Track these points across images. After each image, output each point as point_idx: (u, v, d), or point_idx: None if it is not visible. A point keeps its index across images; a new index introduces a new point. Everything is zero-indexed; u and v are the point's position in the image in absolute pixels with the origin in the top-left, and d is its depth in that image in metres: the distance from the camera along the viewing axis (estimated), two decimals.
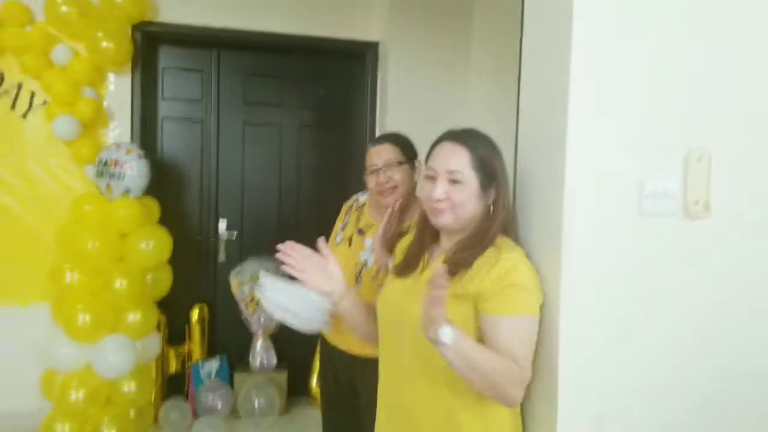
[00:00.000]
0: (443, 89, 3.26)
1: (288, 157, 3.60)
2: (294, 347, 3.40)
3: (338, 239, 1.90)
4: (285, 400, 3.36)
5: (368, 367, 1.69)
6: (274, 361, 3.24)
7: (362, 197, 1.96)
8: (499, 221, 1.22)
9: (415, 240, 1.36)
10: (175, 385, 3.32)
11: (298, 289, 1.35)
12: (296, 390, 3.47)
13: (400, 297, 1.27)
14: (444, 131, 1.28)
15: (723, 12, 1.19)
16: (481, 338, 1.16)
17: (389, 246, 1.61)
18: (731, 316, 1.22)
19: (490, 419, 1.19)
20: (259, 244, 3.41)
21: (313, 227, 3.38)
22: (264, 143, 3.56)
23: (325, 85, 3.58)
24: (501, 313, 1.13)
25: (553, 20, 1.21)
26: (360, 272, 1.77)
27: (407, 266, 1.32)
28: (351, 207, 1.96)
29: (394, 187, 1.76)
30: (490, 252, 1.19)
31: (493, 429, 1.19)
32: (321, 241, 1.36)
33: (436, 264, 1.25)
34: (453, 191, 1.21)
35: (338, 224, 1.96)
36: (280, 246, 1.33)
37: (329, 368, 1.93)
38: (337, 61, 3.54)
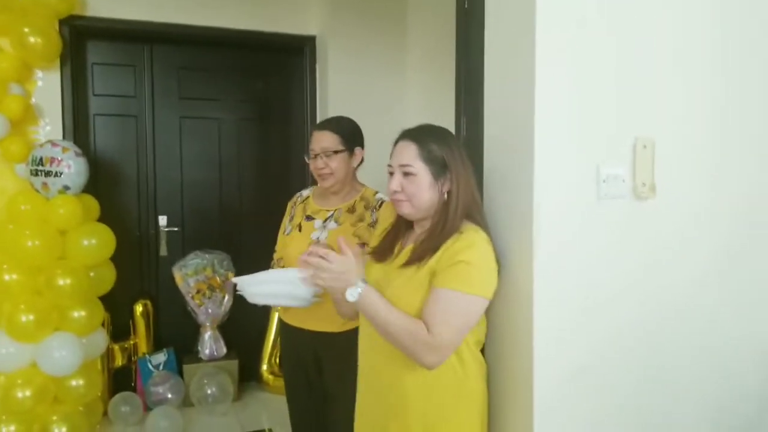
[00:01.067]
0: (381, 81, 3.39)
1: (228, 151, 3.63)
2: (243, 336, 3.50)
3: (288, 230, 2.03)
4: (237, 387, 3.43)
5: (332, 342, 1.87)
6: (224, 350, 3.32)
7: (306, 192, 2.11)
8: (457, 208, 1.33)
9: (391, 227, 1.50)
10: (121, 380, 3.33)
11: (276, 274, 1.46)
12: (248, 376, 3.56)
13: (377, 282, 1.40)
14: (400, 128, 1.41)
15: (666, 10, 1.39)
16: None
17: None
18: (677, 284, 1.45)
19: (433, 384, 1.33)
20: (202, 237, 3.53)
21: (255, 219, 3.64)
22: (203, 138, 3.58)
23: (263, 79, 3.63)
24: (442, 286, 1.26)
25: (515, 22, 1.33)
26: None
27: (383, 252, 1.46)
28: (295, 203, 2.10)
29: (330, 174, 1.91)
30: (454, 237, 1.31)
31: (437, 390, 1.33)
32: (342, 241, 1.40)
33: (406, 251, 1.40)
34: (406, 183, 1.35)
35: (285, 220, 2.10)
36: (304, 258, 1.39)
37: (291, 352, 2.04)
38: (275, 54, 3.60)
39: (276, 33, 3.44)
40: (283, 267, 1.95)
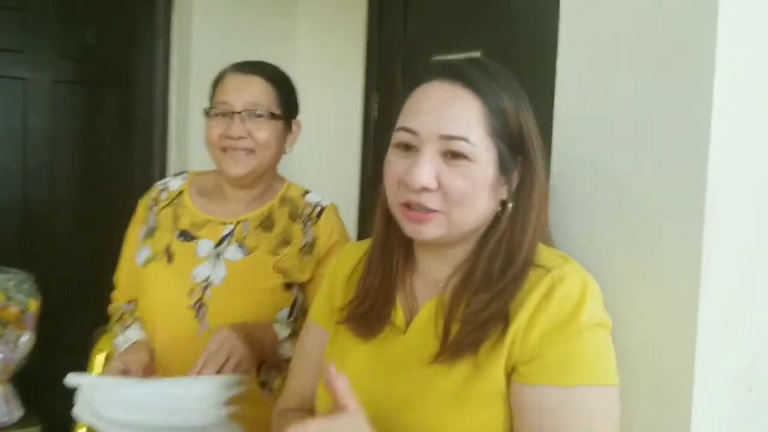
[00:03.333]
0: (265, 44, 2.69)
1: (37, 123, 2.70)
2: (49, 391, 2.53)
3: (143, 256, 1.23)
4: None
5: None
6: (19, 413, 2.37)
7: (173, 183, 1.31)
8: (529, 226, 0.75)
9: (370, 265, 0.85)
10: None
11: (160, 386, 0.89)
12: None
13: (371, 394, 0.74)
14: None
15: None
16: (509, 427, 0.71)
17: None
18: None
19: None
20: None
21: (76, 224, 2.68)
22: None
23: (93, 28, 2.75)
24: (561, 384, 0.68)
25: None
26: (200, 301, 1.14)
27: (366, 318, 0.82)
28: (155, 203, 1.29)
29: (252, 151, 1.17)
30: (537, 281, 0.73)
31: None
32: (332, 369, 0.70)
33: (422, 315, 0.77)
34: (451, 175, 0.73)
35: (136, 232, 1.28)
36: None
37: None
38: None
39: None
40: (137, 331, 1.18)
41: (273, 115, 1.20)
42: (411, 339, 0.78)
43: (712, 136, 0.71)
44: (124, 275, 1.28)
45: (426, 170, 0.72)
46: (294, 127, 1.28)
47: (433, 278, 0.81)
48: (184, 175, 1.33)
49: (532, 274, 0.74)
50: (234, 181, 1.22)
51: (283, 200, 1.27)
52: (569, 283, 0.71)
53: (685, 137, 0.73)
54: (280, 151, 1.25)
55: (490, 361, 0.71)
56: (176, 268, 1.19)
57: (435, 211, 0.73)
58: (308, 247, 1.22)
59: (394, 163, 0.76)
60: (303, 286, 1.22)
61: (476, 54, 1.90)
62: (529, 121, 0.76)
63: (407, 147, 0.76)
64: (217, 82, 1.24)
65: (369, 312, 0.81)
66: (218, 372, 0.96)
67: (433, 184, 0.72)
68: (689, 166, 0.72)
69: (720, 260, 0.73)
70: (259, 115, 1.18)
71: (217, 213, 1.24)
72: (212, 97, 1.23)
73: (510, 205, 0.76)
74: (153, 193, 1.31)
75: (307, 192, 1.30)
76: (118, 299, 1.29)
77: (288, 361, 1.08)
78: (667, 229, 0.74)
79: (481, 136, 0.73)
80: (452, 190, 0.73)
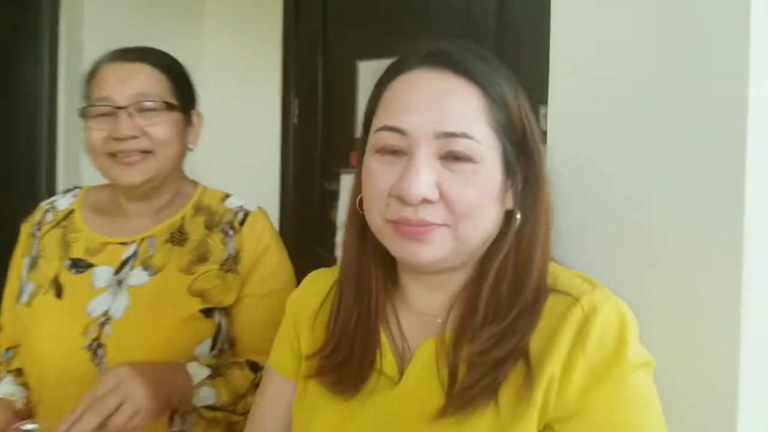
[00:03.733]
0: (171, 42, 2.44)
1: None
2: None
3: (27, 292, 1.00)
4: None
5: None
6: None
7: (62, 202, 1.09)
8: (536, 241, 0.62)
9: (347, 307, 0.67)
10: None
11: None
12: None
13: None
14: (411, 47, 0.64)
15: None
16: None
17: None
18: None
19: None
20: None
21: None
22: None
23: None
24: None
25: None
26: (98, 340, 0.94)
27: (349, 374, 0.64)
28: (38, 226, 1.07)
29: (147, 152, 0.97)
30: (550, 307, 0.60)
31: None
32: None
33: (419, 359, 0.63)
34: (455, 182, 0.60)
35: (19, 263, 1.06)
36: None
37: None
38: None
39: None
40: (7, 386, 0.98)
41: (168, 106, 0.98)
42: (407, 390, 0.63)
43: (748, 139, 0.62)
44: (8, 316, 1.04)
45: (424, 178, 0.58)
46: (195, 118, 1.06)
47: (425, 312, 0.66)
48: (75, 191, 1.10)
49: (555, 302, 0.61)
50: (131, 191, 1.00)
51: (198, 208, 1.05)
52: (605, 315, 0.58)
53: (720, 140, 0.64)
54: (184, 148, 1.03)
55: (519, 414, 0.57)
56: (67, 303, 0.96)
57: (437, 224, 0.59)
58: (231, 262, 1.01)
59: (379, 172, 0.61)
60: (227, 311, 1.02)
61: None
62: (529, 114, 0.64)
63: (394, 151, 0.61)
64: (92, 75, 1.01)
65: (347, 362, 0.65)
66: (102, 424, 0.74)
67: (434, 195, 0.59)
68: (725, 173, 0.63)
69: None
70: (151, 108, 0.96)
71: (115, 233, 1.02)
72: (87, 94, 1.01)
73: (518, 216, 0.63)
74: (37, 215, 1.07)
75: (227, 196, 1.08)
76: (2, 344, 1.05)
77: (210, 408, 0.91)
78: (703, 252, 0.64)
79: (485, 131, 0.60)
80: (458, 201, 0.59)
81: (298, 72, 2.11)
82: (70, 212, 1.06)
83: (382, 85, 0.65)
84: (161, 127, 0.97)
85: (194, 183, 1.10)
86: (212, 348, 1.00)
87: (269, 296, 1.03)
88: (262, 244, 1.03)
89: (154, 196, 1.03)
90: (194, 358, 0.96)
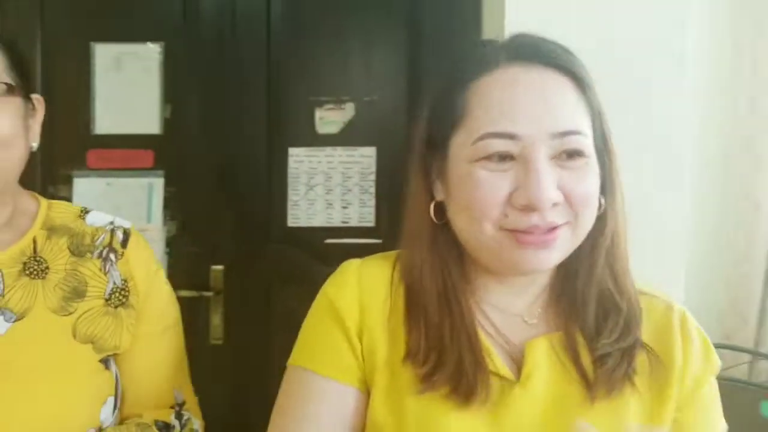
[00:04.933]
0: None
1: None
2: None
3: None
4: None
5: None
6: None
7: None
8: (620, 235, 0.66)
9: (433, 308, 0.65)
10: None
11: None
12: None
13: None
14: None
15: None
16: None
17: None
18: None
19: None
20: None
21: None
22: None
23: None
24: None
25: None
26: None
27: (466, 380, 0.61)
28: None
29: None
30: (645, 305, 0.67)
31: None
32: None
33: (535, 356, 0.65)
34: (574, 180, 0.60)
35: None
36: None
37: None
38: None
39: None
40: None
41: (9, 89, 0.74)
42: (534, 386, 0.63)
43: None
44: None
45: (550, 182, 0.58)
46: (36, 104, 0.81)
47: (506, 309, 0.67)
48: None
49: (649, 302, 0.68)
50: None
51: (51, 228, 0.82)
52: (692, 320, 0.68)
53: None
54: (28, 144, 0.79)
55: (664, 397, 0.64)
56: (7, 342, 0.72)
57: (562, 224, 0.60)
58: (119, 295, 0.81)
59: (490, 181, 0.60)
60: (116, 358, 0.81)
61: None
62: (602, 112, 0.65)
63: (502, 157, 0.59)
64: None
65: (458, 370, 0.62)
66: None
67: (560, 196, 0.59)
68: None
69: None
70: None
71: (12, 236, 0.78)
72: None
73: (602, 201, 0.64)
74: None
75: (85, 211, 0.86)
76: None
77: None
78: None
79: (585, 122, 0.62)
80: (578, 196, 0.60)
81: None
82: None
83: (460, 86, 0.62)
84: (4, 118, 0.73)
85: (32, 194, 0.86)
86: (114, 408, 0.80)
87: (170, 330, 0.86)
88: (153, 268, 0.85)
89: None
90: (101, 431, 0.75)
